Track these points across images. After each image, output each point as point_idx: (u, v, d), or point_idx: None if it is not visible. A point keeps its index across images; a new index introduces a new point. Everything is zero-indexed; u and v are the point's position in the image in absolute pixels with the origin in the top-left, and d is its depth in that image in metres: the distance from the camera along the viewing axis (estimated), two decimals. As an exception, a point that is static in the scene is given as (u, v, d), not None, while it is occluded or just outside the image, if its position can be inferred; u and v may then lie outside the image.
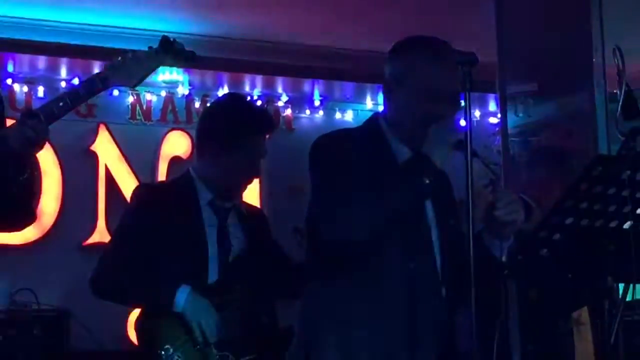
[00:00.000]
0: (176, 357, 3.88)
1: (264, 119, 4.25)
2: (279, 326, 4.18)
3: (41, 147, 2.94)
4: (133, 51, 2.96)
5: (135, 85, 3.02)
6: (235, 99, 4.59)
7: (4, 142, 2.81)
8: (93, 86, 2.85)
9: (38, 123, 2.82)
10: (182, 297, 3.88)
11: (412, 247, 3.22)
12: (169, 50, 2.86)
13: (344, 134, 3.47)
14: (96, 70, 6.55)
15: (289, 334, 4.02)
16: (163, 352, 3.87)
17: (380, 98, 7.19)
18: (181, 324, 3.88)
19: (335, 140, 3.36)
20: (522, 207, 3.13)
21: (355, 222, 3.09)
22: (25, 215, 3.11)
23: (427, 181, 3.11)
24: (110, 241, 4.45)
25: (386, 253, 3.16)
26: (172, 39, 2.89)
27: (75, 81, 6.54)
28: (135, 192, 4.23)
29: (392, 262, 3.19)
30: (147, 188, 4.59)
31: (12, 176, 2.93)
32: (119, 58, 3.08)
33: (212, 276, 4.02)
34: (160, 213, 4.05)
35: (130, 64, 2.90)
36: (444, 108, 3.20)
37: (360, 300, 3.20)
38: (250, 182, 4.26)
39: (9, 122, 3.10)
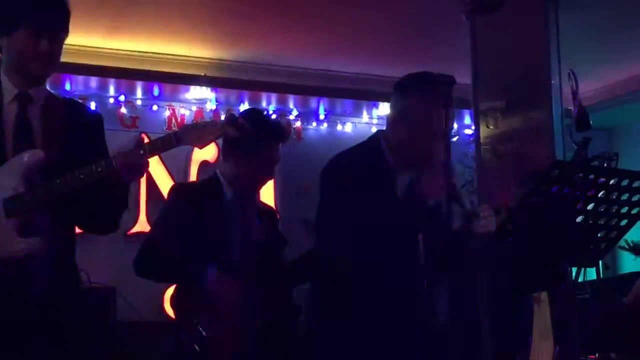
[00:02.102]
0: (206, 325, 3.88)
1: (278, 129, 4.24)
2: (291, 302, 4.19)
3: (141, 174, 2.99)
4: (205, 121, 3.02)
5: (202, 147, 3.06)
6: (255, 113, 4.58)
7: (111, 165, 2.83)
8: (170, 142, 2.85)
9: (139, 156, 2.85)
10: (212, 276, 3.89)
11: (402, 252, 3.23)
12: (233, 125, 2.88)
13: (349, 162, 3.38)
14: (138, 89, 6.63)
15: (297, 309, 4.06)
16: (196, 321, 3.89)
17: (375, 113, 7.20)
18: (209, 297, 3.91)
19: (341, 169, 3.33)
20: (494, 217, 3.15)
21: (359, 253, 3.12)
22: (114, 226, 3.11)
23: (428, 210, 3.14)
24: (150, 230, 4.45)
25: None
26: (237, 116, 2.91)
27: (122, 98, 6.57)
28: (172, 190, 4.24)
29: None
30: (181, 186, 4.60)
31: (113, 195, 2.95)
32: (193, 122, 3.14)
33: (235, 259, 4.04)
34: (192, 207, 4.04)
35: (200, 129, 2.90)
36: (438, 145, 3.21)
37: (357, 293, 3.21)
38: (265, 182, 4.26)
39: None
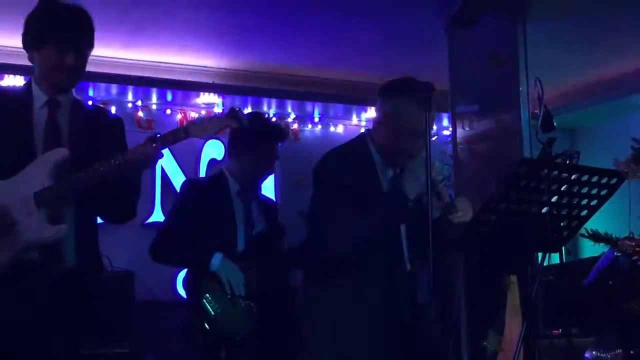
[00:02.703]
0: (214, 304, 3.88)
1: (277, 130, 4.24)
2: (287, 284, 4.19)
3: (155, 163, 3.04)
4: (210, 115, 3.05)
5: (208, 139, 3.08)
6: (257, 116, 4.57)
7: (127, 157, 2.86)
8: (179, 135, 2.90)
9: (155, 148, 2.89)
10: (217, 260, 3.88)
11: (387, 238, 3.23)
12: (233, 117, 2.89)
13: (339, 159, 3.36)
14: (154, 95, 6.61)
15: (293, 290, 4.06)
16: (204, 301, 3.88)
17: (364, 116, 7.19)
18: (216, 280, 3.88)
19: (331, 165, 3.32)
20: (471, 208, 3.15)
21: (349, 242, 3.12)
22: (132, 214, 3.13)
23: (411, 204, 3.14)
24: (164, 220, 4.46)
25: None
26: (237, 109, 2.91)
27: (139, 103, 6.55)
28: (183, 185, 4.24)
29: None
30: (191, 182, 4.58)
31: (130, 185, 2.99)
32: (199, 117, 3.14)
33: (240, 246, 4.03)
34: (201, 200, 4.06)
35: (206, 123, 2.92)
36: (418, 143, 3.21)
37: (346, 289, 3.20)
38: (266, 177, 4.28)
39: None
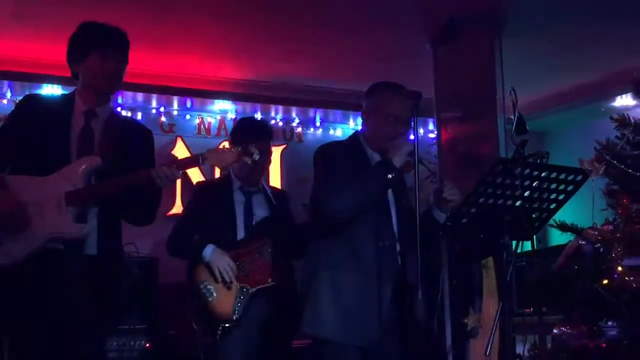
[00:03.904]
0: (210, 288, 3.88)
1: (261, 129, 4.17)
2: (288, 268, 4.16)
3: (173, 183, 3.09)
4: (225, 147, 3.04)
5: (225, 168, 3.07)
6: (243, 120, 4.55)
7: (150, 174, 2.87)
8: (197, 161, 2.92)
9: (174, 170, 2.89)
10: (208, 251, 3.87)
11: (379, 219, 3.22)
12: (246, 154, 2.91)
13: (336, 145, 3.44)
14: (175, 102, 6.61)
15: (291, 269, 4.06)
16: (202, 286, 3.88)
17: (359, 121, 7.16)
18: (208, 268, 3.89)
19: (330, 149, 3.35)
20: (457, 190, 3.16)
21: (343, 204, 3.10)
22: (150, 220, 3.15)
23: (390, 176, 3.12)
24: (180, 216, 4.48)
25: (361, 221, 3.15)
26: (250, 146, 2.94)
27: (162, 109, 6.55)
28: (195, 186, 4.27)
29: (364, 227, 3.18)
30: (200, 185, 4.59)
31: (151, 196, 3.00)
32: (217, 147, 3.11)
33: (240, 235, 4.01)
34: (206, 198, 4.10)
35: (222, 153, 2.94)
36: (401, 128, 3.22)
37: (344, 253, 3.19)
38: (262, 173, 4.20)
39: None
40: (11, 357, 2.77)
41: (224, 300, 3.85)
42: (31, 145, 2.88)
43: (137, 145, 3.07)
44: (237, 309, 3.83)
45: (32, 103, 3.05)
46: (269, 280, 3.91)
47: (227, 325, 3.81)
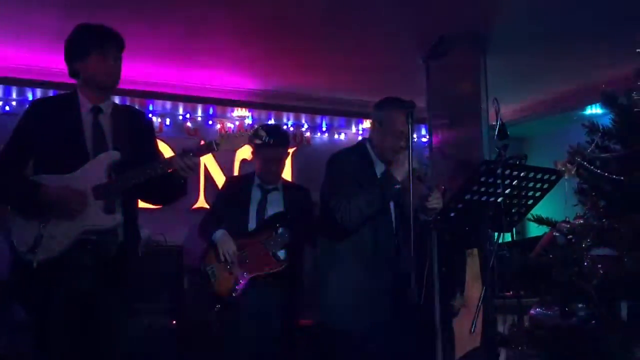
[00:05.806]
0: (214, 271, 3.94)
1: (282, 137, 4.18)
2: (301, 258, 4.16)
3: (196, 172, 2.97)
4: (238, 131, 2.96)
5: (236, 150, 3.00)
6: (270, 127, 4.56)
7: (170, 163, 2.82)
8: (211, 147, 2.83)
9: (190, 158, 2.82)
10: (218, 235, 3.93)
11: (379, 218, 3.25)
12: (256, 135, 2.83)
13: (346, 155, 3.39)
14: (199, 109, 6.60)
15: (301, 260, 4.08)
16: (208, 269, 3.94)
17: (361, 127, 7.18)
18: (216, 249, 3.93)
19: (341, 158, 3.34)
20: (442, 197, 3.16)
21: (351, 218, 3.15)
22: (174, 199, 3.06)
23: (397, 186, 3.14)
24: (210, 205, 4.55)
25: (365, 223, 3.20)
26: (259, 128, 2.86)
27: (187, 115, 6.54)
28: (224, 181, 4.34)
29: (367, 224, 3.21)
30: (229, 179, 4.69)
31: (172, 183, 2.90)
32: (229, 131, 3.05)
33: (251, 226, 4.04)
34: (232, 191, 4.16)
35: (233, 138, 2.87)
36: (404, 143, 3.22)
37: (350, 247, 3.23)
38: (279, 172, 4.19)
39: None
40: (40, 343, 2.69)
41: (223, 281, 3.88)
42: (48, 147, 2.79)
43: (142, 130, 3.00)
44: (234, 290, 3.88)
45: (40, 107, 2.92)
46: (267, 269, 3.92)
47: (223, 303, 3.87)
